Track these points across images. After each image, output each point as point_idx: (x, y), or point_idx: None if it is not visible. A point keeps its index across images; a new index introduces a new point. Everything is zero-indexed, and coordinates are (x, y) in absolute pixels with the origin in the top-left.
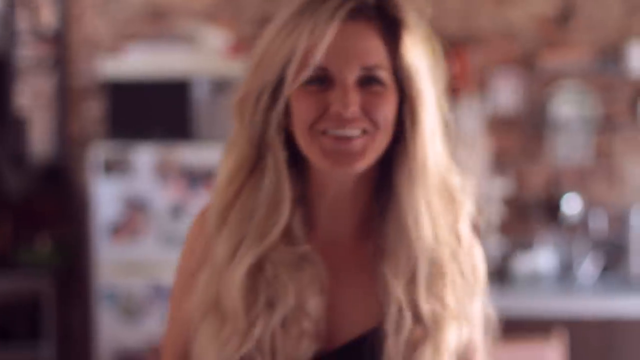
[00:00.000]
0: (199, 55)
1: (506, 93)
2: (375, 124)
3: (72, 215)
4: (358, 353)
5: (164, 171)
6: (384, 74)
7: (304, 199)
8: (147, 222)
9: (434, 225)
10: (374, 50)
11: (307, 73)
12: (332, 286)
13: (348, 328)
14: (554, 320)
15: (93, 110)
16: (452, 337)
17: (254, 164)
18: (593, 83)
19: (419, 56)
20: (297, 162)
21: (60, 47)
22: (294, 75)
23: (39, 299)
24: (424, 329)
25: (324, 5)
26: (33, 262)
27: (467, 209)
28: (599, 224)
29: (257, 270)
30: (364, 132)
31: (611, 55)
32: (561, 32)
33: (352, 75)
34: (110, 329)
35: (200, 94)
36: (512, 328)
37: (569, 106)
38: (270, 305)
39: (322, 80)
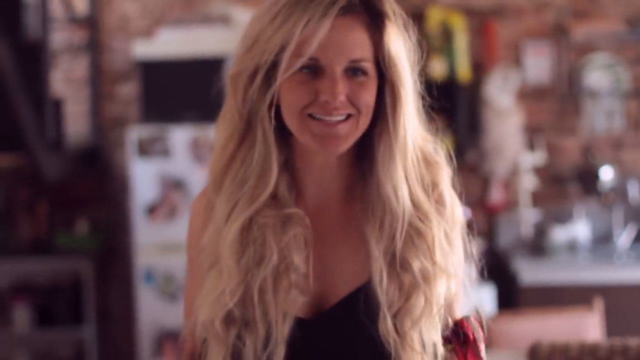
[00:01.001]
0: (233, 35)
1: (538, 65)
2: (358, 109)
3: (110, 197)
4: (352, 307)
5: (199, 150)
6: (368, 65)
7: (289, 166)
8: (184, 202)
9: (412, 193)
10: (361, 43)
11: (300, 61)
12: (322, 248)
13: (341, 285)
14: (594, 289)
15: (128, 92)
16: (441, 290)
17: (243, 135)
18: (625, 53)
19: (400, 45)
20: (283, 133)
21: (94, 30)
22: (288, 62)
23: (79, 281)
24: (416, 283)
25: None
26: (72, 245)
27: (445, 172)
28: (635, 192)
29: (246, 231)
30: (348, 116)
31: None
32: (592, 3)
33: (340, 67)
34: (150, 309)
35: None
36: (551, 297)
37: (601, 76)
38: (258, 262)
39: (313, 69)
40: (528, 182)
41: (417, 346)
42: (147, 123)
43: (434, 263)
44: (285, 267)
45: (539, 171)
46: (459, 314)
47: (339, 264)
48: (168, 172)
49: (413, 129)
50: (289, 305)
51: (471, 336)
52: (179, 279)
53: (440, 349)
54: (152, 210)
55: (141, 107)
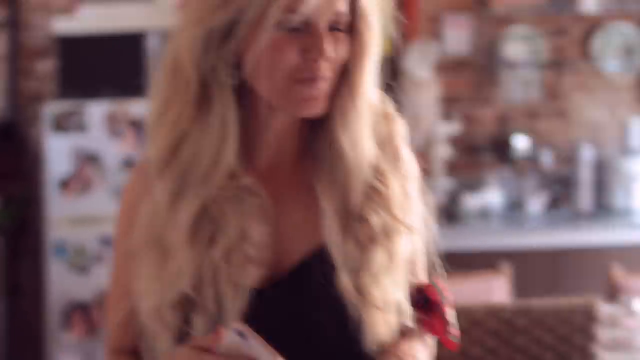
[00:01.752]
0: (154, 11)
1: (458, 36)
2: (334, 67)
3: (25, 172)
4: (308, 273)
5: (115, 125)
6: (346, 19)
7: (243, 132)
8: (99, 176)
9: (369, 147)
10: None
11: (298, 18)
12: (276, 213)
13: (295, 251)
14: (503, 254)
15: (47, 69)
16: (404, 245)
17: (200, 102)
18: (545, 25)
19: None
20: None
21: (13, 7)
22: (278, 17)
23: None
24: (374, 237)
25: None
26: None
27: (400, 125)
28: (549, 160)
29: (202, 210)
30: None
31: None
32: None
33: (326, 22)
34: (60, 283)
35: (153, 48)
36: (462, 263)
37: (520, 48)
38: (213, 240)
39: (299, 26)
40: (443, 152)
41: (381, 304)
42: (64, 99)
43: (393, 217)
44: (240, 242)
45: (455, 141)
46: (421, 275)
47: (294, 229)
48: (83, 146)
49: (371, 85)
50: (245, 282)
51: (435, 299)
52: (89, 251)
53: (406, 307)
54: (65, 184)
55: (59, 83)
